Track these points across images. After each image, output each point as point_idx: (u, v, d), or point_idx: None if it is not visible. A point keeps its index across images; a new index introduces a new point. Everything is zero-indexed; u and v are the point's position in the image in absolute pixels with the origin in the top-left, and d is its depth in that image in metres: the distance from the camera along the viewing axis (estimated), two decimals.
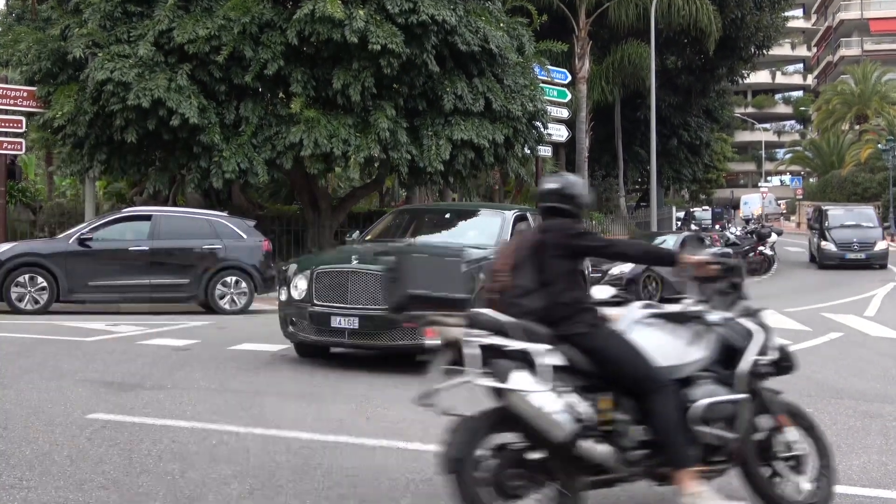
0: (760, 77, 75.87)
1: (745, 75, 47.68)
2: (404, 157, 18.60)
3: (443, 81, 18.89)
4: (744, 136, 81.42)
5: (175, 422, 6.81)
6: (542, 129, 22.49)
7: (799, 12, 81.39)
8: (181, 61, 17.58)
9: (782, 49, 73.98)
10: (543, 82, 23.74)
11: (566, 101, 27.81)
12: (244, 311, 15.72)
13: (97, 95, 17.39)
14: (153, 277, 15.41)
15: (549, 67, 25.87)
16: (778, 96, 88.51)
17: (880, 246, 29.78)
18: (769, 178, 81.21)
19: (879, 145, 51.91)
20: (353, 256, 9.31)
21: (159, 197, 22.62)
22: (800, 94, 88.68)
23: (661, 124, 38.25)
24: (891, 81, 64.93)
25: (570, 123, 30.04)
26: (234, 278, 15.73)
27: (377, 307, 8.72)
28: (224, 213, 17.25)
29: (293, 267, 9.73)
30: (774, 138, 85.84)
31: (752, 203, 70.01)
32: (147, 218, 15.95)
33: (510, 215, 10.96)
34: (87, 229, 15.57)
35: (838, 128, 65.83)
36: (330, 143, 17.82)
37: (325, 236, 21.55)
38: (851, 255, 29.31)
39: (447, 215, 12.10)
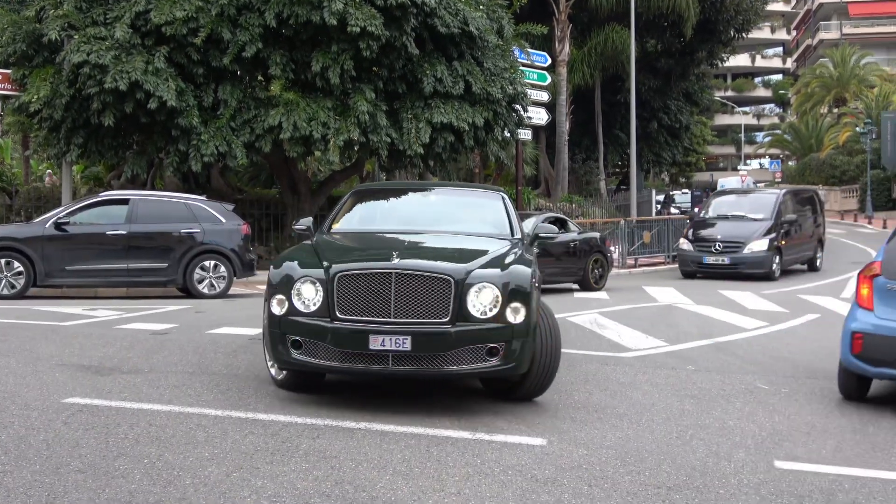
0: (740, 60, 76.06)
1: (725, 58, 47.89)
2: (384, 141, 18.55)
3: (422, 64, 18.84)
4: (723, 120, 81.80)
5: (152, 405, 6.79)
6: (523, 113, 22.46)
7: None
8: (158, 44, 17.44)
9: (762, 32, 74.25)
10: (523, 65, 23.70)
11: (546, 84, 27.76)
12: (223, 295, 15.67)
13: (73, 78, 17.24)
14: (131, 262, 15.32)
15: (529, 50, 25.87)
16: (757, 79, 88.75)
17: (755, 247, 21.06)
18: (748, 162, 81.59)
19: (858, 128, 52.18)
20: (394, 252, 6.94)
21: (137, 181, 22.47)
22: (779, 77, 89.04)
23: (641, 108, 38.38)
24: (869, 65, 65.27)
25: (551, 107, 30.01)
26: (212, 262, 15.66)
27: (437, 320, 6.57)
28: (202, 197, 17.14)
29: (290, 268, 6.95)
30: (754, 121, 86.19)
31: (730, 186, 70.27)
32: (124, 202, 15.82)
33: (506, 197, 9.29)
34: (63, 213, 15.43)
35: (817, 111, 66.17)
36: (309, 126, 17.75)
37: None
38: (711, 260, 21.37)
39: (430, 196, 9.78)
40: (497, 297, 6.60)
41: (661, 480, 5.33)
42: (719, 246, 21.33)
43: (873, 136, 49.04)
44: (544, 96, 27.19)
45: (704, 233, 22.00)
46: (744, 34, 43.22)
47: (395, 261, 6.74)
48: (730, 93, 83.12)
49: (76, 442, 5.73)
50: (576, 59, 36.31)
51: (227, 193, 23.45)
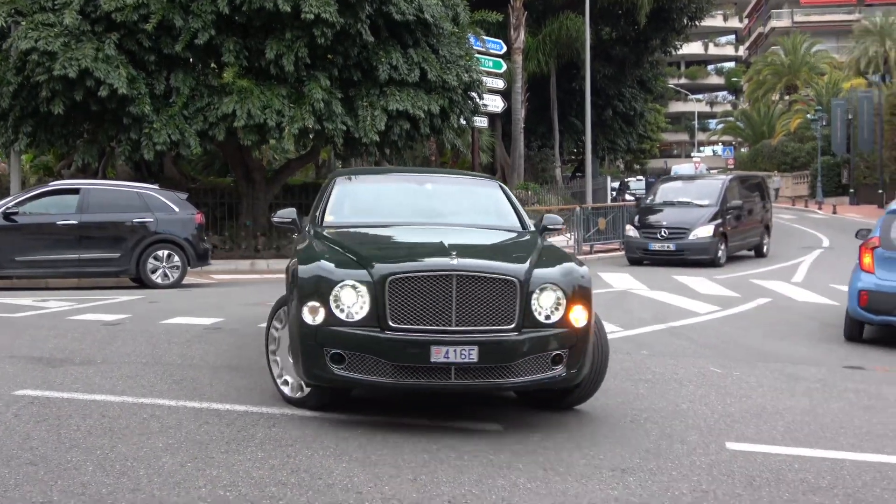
0: (693, 48, 76.76)
1: (678, 46, 48.24)
2: (339, 129, 18.45)
3: (378, 52, 18.75)
4: (677, 107, 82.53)
5: (105, 396, 6.72)
6: (478, 100, 22.48)
7: None
8: (108, 30, 17.16)
9: (714, 20, 75.01)
10: (479, 53, 23.72)
11: (502, 71, 27.83)
12: (177, 285, 15.52)
13: (21, 66, 16.91)
14: (82, 252, 15.11)
15: (485, 38, 25.95)
16: (710, 67, 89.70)
17: (700, 233, 20.73)
18: (702, 148, 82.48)
19: (808, 115, 52.97)
20: (453, 252, 6.00)
21: (88, 170, 22.17)
22: (732, 65, 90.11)
23: (595, 95, 38.55)
24: (819, 52, 66.24)
25: (506, 94, 30.08)
26: (166, 252, 15.50)
27: (503, 327, 5.85)
28: (155, 186, 16.94)
29: (324, 269, 5.95)
30: (707, 109, 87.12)
31: (684, 173, 70.92)
32: (75, 191, 15.59)
33: (502, 184, 8.69)
34: (12, 203, 15.18)
35: (769, 98, 67.02)
36: (263, 114, 17.60)
37: (260, 208, 21.34)
38: (656, 246, 21.09)
39: (425, 184, 8.53)
40: (559, 298, 5.98)
41: (615, 463, 5.40)
42: (665, 232, 21.09)
43: (823, 123, 49.78)
44: (500, 84, 27.27)
45: (651, 219, 21.83)
46: (697, 22, 43.60)
47: (455, 261, 5.87)
48: (683, 80, 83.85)
49: (27, 434, 5.66)
50: (531, 46, 36.36)
51: (180, 182, 23.21)
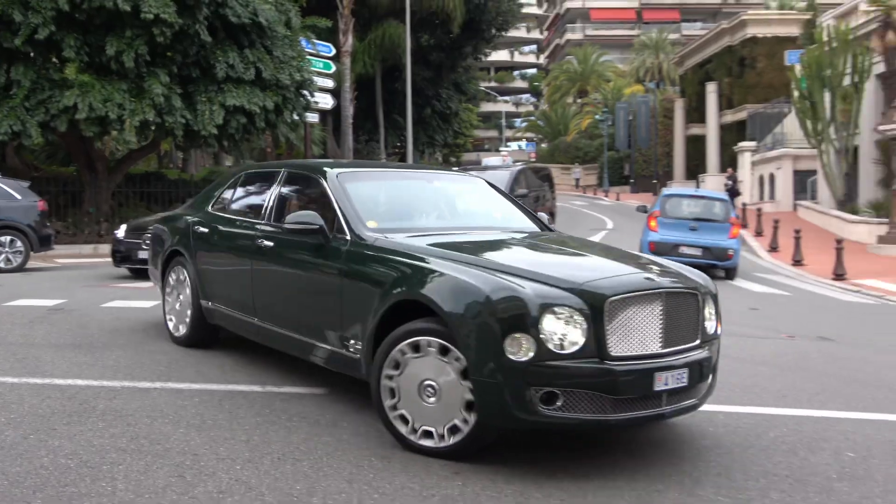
0: (501, 56, 78.57)
1: (488, 53, 49.34)
2: (179, 122, 17.83)
3: (215, 51, 18.23)
4: (488, 107, 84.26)
5: None
6: (310, 97, 22.23)
7: (533, 0, 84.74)
8: None
9: (519, 32, 77.05)
10: (310, 55, 23.42)
11: (331, 72, 27.57)
12: (20, 269, 14.61)
13: None
14: None
15: (316, 41, 25.59)
16: (516, 73, 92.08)
17: None
18: (509, 143, 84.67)
19: (597, 116, 55.41)
20: (651, 267, 5.07)
21: None
22: (534, 71, 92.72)
23: (416, 95, 38.87)
24: (606, 62, 69.26)
25: (336, 93, 29.84)
26: (8, 238, 14.56)
27: (693, 344, 4.83)
28: None
29: (518, 292, 4.37)
30: (513, 109, 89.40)
31: (493, 164, 72.55)
32: None
33: (485, 180, 7.45)
34: None
35: (564, 101, 69.61)
36: (105, 107, 16.78)
37: (103, 196, 20.35)
38: None
39: (423, 182, 6.94)
40: (713, 307, 5.12)
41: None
42: None
43: (609, 123, 52.16)
44: (330, 83, 27.01)
45: None
46: (503, 33, 44.75)
47: (659, 279, 4.78)
48: (493, 84, 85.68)
49: None
50: (358, 50, 36.25)
51: (22, 171, 21.74)
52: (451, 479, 4.41)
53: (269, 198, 6.54)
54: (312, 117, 26.35)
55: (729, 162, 38.81)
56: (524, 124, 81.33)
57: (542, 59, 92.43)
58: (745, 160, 37.14)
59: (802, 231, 20.73)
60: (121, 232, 13.86)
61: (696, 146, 47.54)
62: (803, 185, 33.08)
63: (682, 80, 52.79)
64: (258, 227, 6.45)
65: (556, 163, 56.88)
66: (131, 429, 5.07)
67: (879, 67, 25.94)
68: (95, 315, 9.29)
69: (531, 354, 4.28)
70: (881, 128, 24.12)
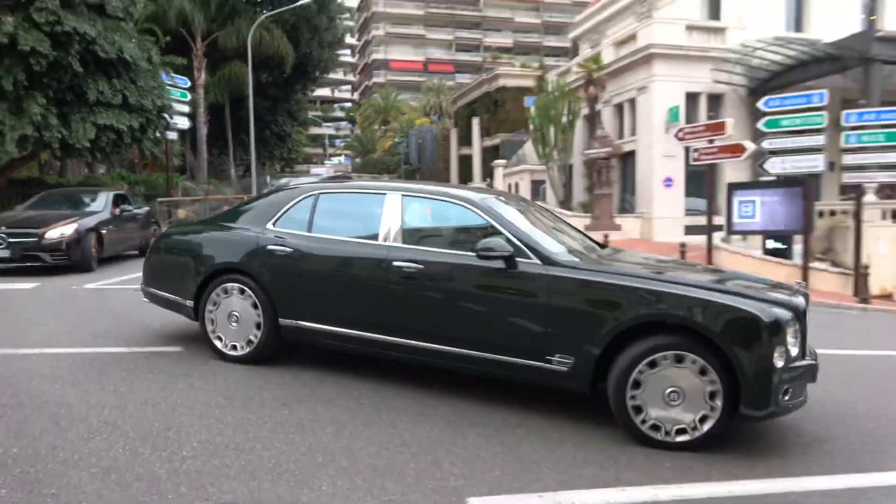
0: (324, 92, 77.08)
1: (314, 90, 48.33)
2: (56, 136, 16.08)
3: (87, 80, 16.56)
4: (315, 130, 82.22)
5: None
6: (170, 119, 20.76)
7: (348, 51, 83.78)
8: None
9: (338, 74, 75.97)
10: (169, 85, 21.83)
11: (188, 100, 25.79)
12: None
13: None
14: None
15: (174, 75, 23.90)
16: (336, 105, 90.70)
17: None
18: (331, 158, 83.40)
19: (396, 139, 55.83)
20: (799, 282, 4.93)
21: None
22: (350, 104, 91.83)
23: (258, 120, 37.35)
24: (402, 100, 69.85)
25: (193, 117, 28.03)
26: None
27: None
28: None
29: (770, 313, 4.08)
30: (334, 132, 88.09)
31: (320, 174, 71.40)
32: None
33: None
34: None
35: (372, 128, 69.54)
36: None
37: None
38: None
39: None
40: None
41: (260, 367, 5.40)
42: None
43: (404, 145, 52.80)
44: (186, 108, 25.31)
45: None
46: (326, 75, 43.89)
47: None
48: (318, 112, 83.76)
49: None
50: (210, 84, 34.30)
51: None
52: (279, 409, 4.38)
53: (385, 219, 4.91)
54: (172, 135, 24.58)
55: (488, 174, 40.50)
56: (342, 144, 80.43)
57: (355, 96, 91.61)
58: (499, 173, 38.91)
59: None
60: None
61: (465, 163, 49.18)
62: (537, 191, 35.20)
63: (456, 114, 54.38)
64: (394, 250, 4.78)
65: (368, 173, 56.73)
66: (11, 388, 4.62)
67: (585, 111, 28.05)
68: None
69: (784, 361, 4.07)
70: (586, 152, 26.12)
